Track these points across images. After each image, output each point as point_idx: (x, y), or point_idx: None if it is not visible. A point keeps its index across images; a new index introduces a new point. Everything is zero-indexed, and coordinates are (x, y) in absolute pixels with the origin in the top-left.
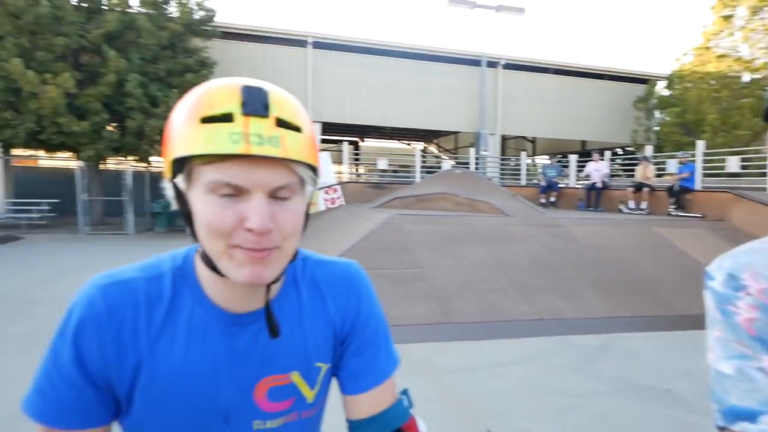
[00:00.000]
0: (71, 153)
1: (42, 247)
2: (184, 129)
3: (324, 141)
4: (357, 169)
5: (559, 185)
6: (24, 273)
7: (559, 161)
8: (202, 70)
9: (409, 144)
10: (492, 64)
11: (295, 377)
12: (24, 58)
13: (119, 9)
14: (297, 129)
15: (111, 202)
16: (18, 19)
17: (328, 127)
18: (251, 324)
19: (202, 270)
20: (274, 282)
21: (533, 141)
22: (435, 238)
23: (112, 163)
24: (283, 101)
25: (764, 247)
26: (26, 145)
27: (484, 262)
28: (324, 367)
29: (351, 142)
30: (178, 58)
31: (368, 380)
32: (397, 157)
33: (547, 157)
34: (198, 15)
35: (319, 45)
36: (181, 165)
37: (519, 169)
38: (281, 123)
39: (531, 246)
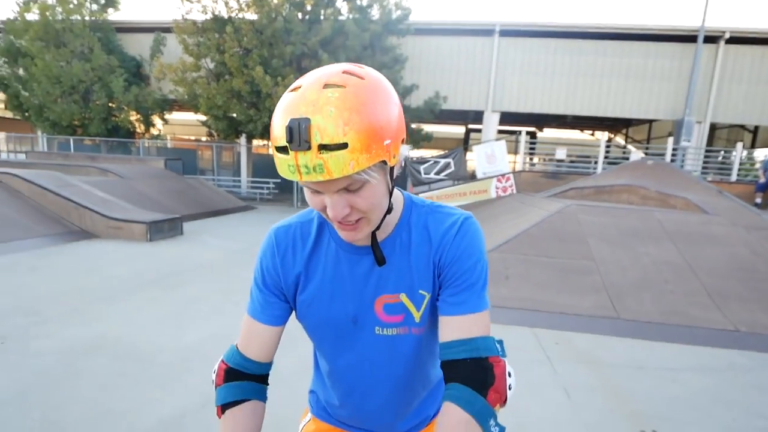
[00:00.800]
0: None
1: (269, 216)
2: (273, 150)
3: (501, 132)
4: (531, 159)
5: None
6: (257, 232)
7: None
8: (395, 66)
9: (592, 134)
10: (711, 39)
11: (404, 298)
12: (263, 65)
13: (332, 18)
14: (342, 146)
15: None
16: (261, 34)
17: (508, 117)
18: (369, 255)
19: None
20: (376, 229)
21: (755, 130)
22: (613, 232)
23: None
24: (326, 125)
25: None
26: (261, 136)
27: (670, 261)
28: (427, 295)
29: (529, 132)
30: (376, 56)
31: (460, 307)
32: (577, 147)
33: None
34: (395, 15)
35: (505, 33)
36: None
37: (729, 163)
38: (324, 147)
39: (735, 249)
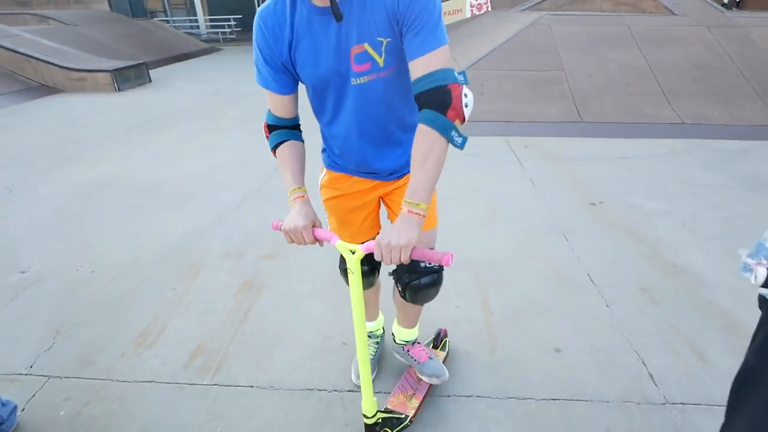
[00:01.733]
0: None
1: (236, 56)
2: None
3: None
4: None
5: None
6: (229, 74)
7: None
8: None
9: None
10: None
11: (367, 47)
12: None
13: None
14: None
15: None
16: None
17: None
18: (333, 13)
19: None
20: None
21: None
22: (584, 40)
23: None
24: None
25: None
26: None
27: (633, 65)
28: (384, 41)
29: None
30: None
31: (420, 49)
32: None
33: None
34: None
35: None
36: None
37: None
38: None
39: (693, 49)
